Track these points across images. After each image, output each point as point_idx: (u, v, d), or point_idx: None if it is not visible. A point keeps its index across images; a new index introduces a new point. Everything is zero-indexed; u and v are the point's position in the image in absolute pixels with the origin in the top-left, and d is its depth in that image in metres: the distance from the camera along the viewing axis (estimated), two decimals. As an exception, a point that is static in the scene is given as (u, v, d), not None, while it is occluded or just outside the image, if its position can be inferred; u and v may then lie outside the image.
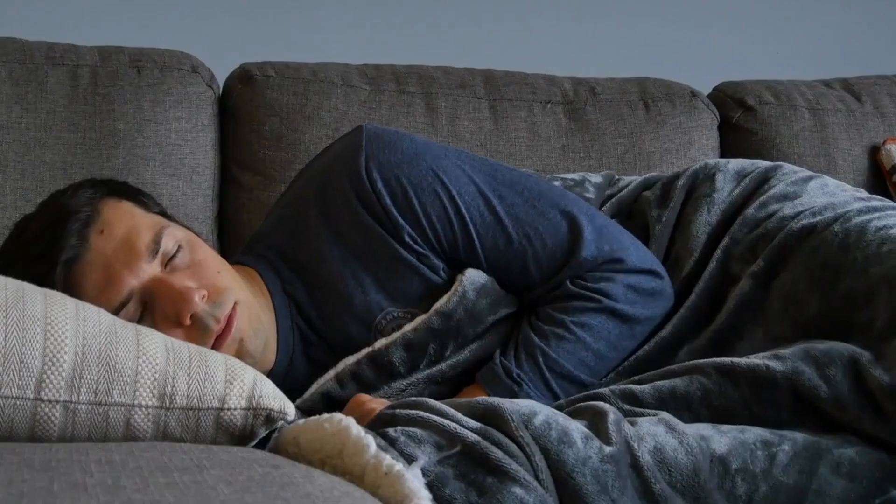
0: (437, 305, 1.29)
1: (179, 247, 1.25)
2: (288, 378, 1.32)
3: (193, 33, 2.11)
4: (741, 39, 2.46)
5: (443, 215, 1.29)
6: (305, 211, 1.34)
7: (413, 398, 1.17)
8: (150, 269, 1.23)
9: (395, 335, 1.29)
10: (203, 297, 1.23)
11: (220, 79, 1.77)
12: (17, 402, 0.97)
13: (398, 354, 1.29)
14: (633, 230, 1.40)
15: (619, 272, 1.30)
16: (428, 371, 1.31)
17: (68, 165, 1.59)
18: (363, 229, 1.30)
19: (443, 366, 1.31)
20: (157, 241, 1.24)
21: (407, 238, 1.29)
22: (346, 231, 1.31)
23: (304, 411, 1.25)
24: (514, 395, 1.24)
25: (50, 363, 0.98)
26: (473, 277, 1.30)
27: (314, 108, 1.72)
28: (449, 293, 1.30)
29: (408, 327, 1.29)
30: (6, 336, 0.97)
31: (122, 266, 1.22)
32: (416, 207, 1.28)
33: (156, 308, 1.22)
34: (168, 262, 1.24)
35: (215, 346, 1.22)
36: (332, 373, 1.29)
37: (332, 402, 1.28)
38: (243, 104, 1.72)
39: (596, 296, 1.29)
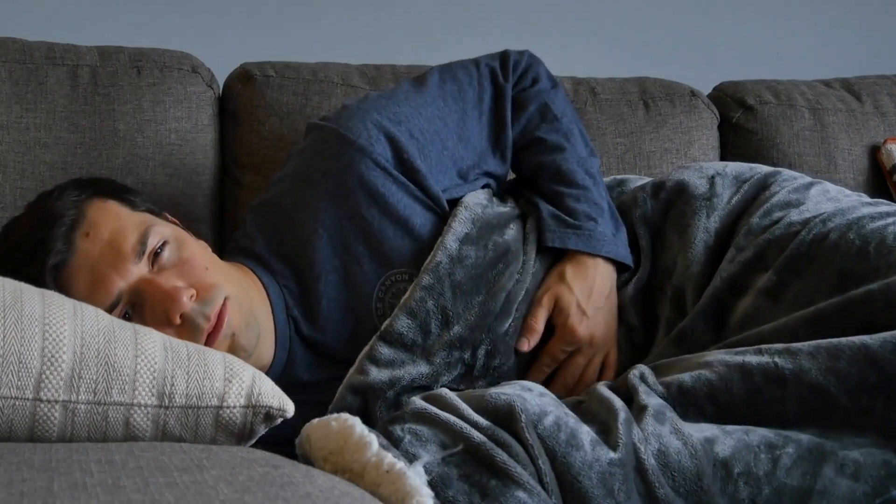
0: (424, 264, 1.32)
1: (166, 244, 1.26)
2: (289, 372, 1.32)
3: (193, 33, 2.10)
4: (741, 39, 2.46)
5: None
6: (286, 204, 1.38)
7: (430, 392, 1.17)
8: (137, 270, 1.23)
9: (396, 308, 1.30)
10: (192, 296, 1.23)
11: (220, 79, 1.76)
12: (17, 403, 0.97)
13: (403, 323, 1.29)
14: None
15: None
16: (448, 336, 1.30)
17: (68, 165, 1.59)
18: (351, 199, 1.34)
19: (461, 324, 1.31)
20: (143, 242, 1.24)
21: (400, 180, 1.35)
22: (331, 209, 1.34)
23: (341, 410, 1.26)
24: (591, 237, 1.37)
25: (49, 363, 0.98)
26: (455, 228, 1.33)
27: (314, 108, 1.72)
28: (433, 248, 1.32)
29: (405, 295, 1.30)
30: (4, 336, 0.97)
31: (109, 268, 1.22)
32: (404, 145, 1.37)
33: (145, 308, 1.22)
34: (155, 260, 1.25)
35: (207, 343, 1.23)
36: (352, 370, 1.29)
37: (363, 392, 1.28)
38: (243, 104, 1.72)
39: (533, 88, 1.50)
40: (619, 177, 1.58)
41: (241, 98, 1.73)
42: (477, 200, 1.39)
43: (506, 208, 1.42)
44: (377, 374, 1.27)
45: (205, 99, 1.70)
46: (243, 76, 1.74)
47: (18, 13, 2.05)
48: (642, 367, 1.20)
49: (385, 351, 1.28)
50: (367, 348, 1.29)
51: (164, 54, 1.71)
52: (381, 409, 1.26)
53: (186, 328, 1.22)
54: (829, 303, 1.19)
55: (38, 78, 1.62)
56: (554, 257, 1.40)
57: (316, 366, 1.34)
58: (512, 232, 1.38)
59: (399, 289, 1.33)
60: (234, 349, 1.25)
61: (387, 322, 1.30)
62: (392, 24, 2.28)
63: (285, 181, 1.41)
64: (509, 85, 1.49)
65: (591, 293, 1.36)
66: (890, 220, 1.26)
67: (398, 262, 1.34)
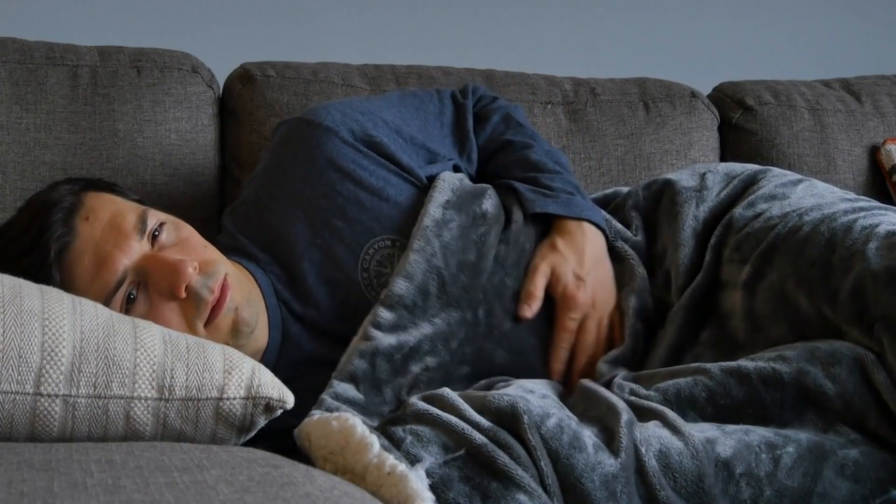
0: (413, 230, 1.33)
1: (163, 224, 1.28)
2: (287, 351, 1.33)
3: (193, 33, 2.11)
4: (741, 39, 2.47)
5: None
6: (261, 196, 1.40)
7: (431, 392, 1.17)
8: (139, 248, 1.25)
9: (393, 274, 1.31)
10: (195, 268, 1.25)
11: (220, 79, 1.76)
12: (17, 398, 0.97)
13: (401, 286, 1.29)
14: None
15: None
16: (446, 297, 1.30)
17: (68, 165, 1.59)
18: (324, 178, 1.36)
19: (456, 285, 1.32)
20: (143, 221, 1.26)
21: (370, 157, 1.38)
22: (306, 190, 1.36)
23: (348, 375, 1.24)
24: (570, 203, 1.41)
25: (48, 358, 0.98)
26: (436, 197, 1.36)
27: (314, 109, 1.72)
28: (419, 216, 1.34)
29: (401, 261, 1.31)
30: (4, 332, 0.98)
31: (112, 247, 1.24)
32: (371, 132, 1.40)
33: (150, 284, 1.24)
34: (154, 241, 1.27)
35: (211, 317, 1.24)
36: (356, 337, 1.28)
37: (370, 356, 1.27)
38: (243, 104, 1.72)
39: (493, 104, 1.56)
40: (614, 188, 1.61)
41: (241, 98, 1.73)
42: (453, 175, 1.42)
43: (480, 185, 1.44)
44: (384, 339, 1.26)
45: (205, 99, 1.70)
46: (243, 76, 1.75)
47: (18, 13, 2.05)
48: (629, 383, 1.21)
49: (387, 315, 1.28)
50: (369, 316, 1.29)
51: (164, 54, 1.71)
52: (386, 373, 1.25)
53: (191, 301, 1.24)
54: (805, 312, 1.22)
55: (38, 78, 1.62)
56: (542, 227, 1.42)
57: (314, 342, 1.34)
58: (490, 201, 1.40)
59: (383, 255, 1.35)
60: (237, 324, 1.26)
61: (386, 289, 1.30)
62: (392, 24, 2.29)
63: (258, 177, 1.44)
64: (469, 101, 1.55)
65: (583, 258, 1.38)
66: (862, 214, 1.27)
67: (379, 230, 1.36)
